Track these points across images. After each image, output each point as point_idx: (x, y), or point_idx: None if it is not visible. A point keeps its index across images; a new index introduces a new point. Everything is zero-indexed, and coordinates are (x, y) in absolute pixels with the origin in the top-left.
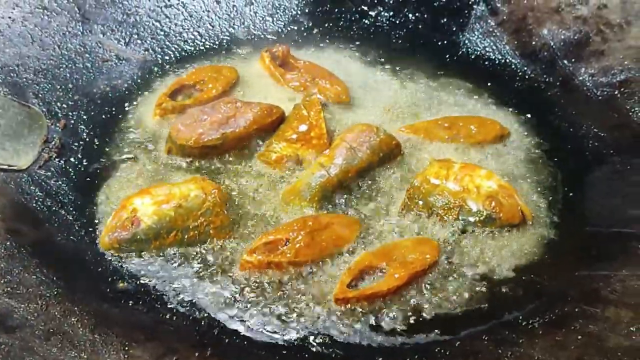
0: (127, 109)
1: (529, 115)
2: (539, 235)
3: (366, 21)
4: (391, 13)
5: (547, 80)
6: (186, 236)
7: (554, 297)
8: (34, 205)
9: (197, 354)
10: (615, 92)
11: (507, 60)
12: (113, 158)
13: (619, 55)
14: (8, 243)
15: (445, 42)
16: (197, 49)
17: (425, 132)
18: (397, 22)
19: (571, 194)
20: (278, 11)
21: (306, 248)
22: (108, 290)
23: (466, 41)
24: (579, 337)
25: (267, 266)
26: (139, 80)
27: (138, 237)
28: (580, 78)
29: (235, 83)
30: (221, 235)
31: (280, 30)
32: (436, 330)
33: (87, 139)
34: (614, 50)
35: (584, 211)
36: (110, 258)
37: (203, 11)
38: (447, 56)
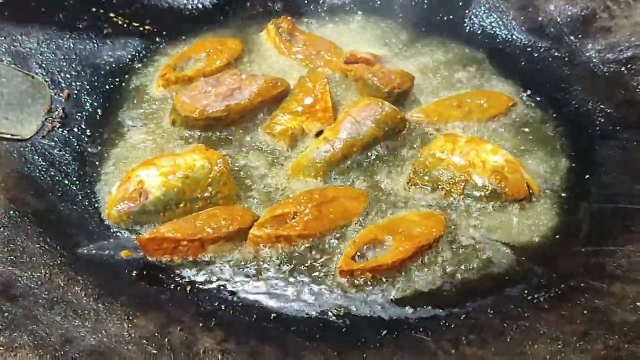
0: (130, 80)
1: (535, 92)
2: (545, 210)
3: None
4: None
5: (554, 56)
6: (196, 207)
7: (559, 273)
8: (38, 174)
9: (201, 325)
10: (622, 69)
11: (514, 36)
12: (116, 129)
13: (626, 32)
14: (12, 212)
15: (452, 17)
16: (202, 21)
17: (440, 116)
18: None
19: (578, 170)
20: None
21: (314, 221)
22: (112, 260)
23: (472, 16)
24: (585, 312)
25: (276, 240)
26: (143, 52)
27: (147, 209)
28: (587, 54)
29: (240, 55)
30: (230, 205)
31: (286, 2)
32: (441, 304)
33: (91, 110)
34: (621, 27)
35: (590, 187)
36: (113, 228)
37: None
38: (453, 31)
